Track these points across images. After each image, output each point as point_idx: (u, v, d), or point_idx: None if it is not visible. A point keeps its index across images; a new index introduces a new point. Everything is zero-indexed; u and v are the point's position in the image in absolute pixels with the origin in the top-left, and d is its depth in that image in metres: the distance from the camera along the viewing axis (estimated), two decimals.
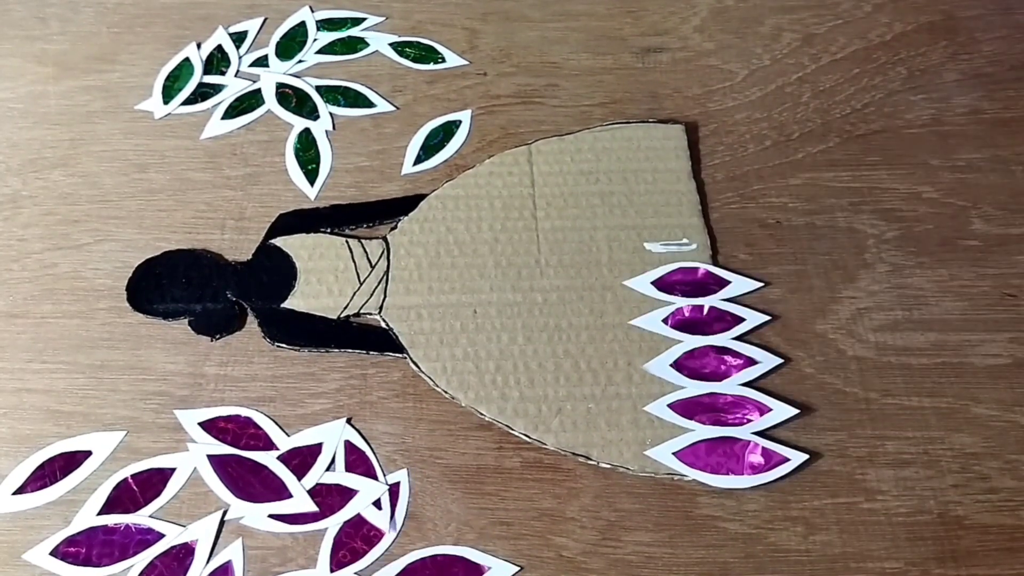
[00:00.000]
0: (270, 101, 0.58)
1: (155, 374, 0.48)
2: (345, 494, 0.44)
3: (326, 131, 0.57)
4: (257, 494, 0.44)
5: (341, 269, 0.51)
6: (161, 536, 0.43)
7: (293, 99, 0.58)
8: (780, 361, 0.47)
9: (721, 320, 0.48)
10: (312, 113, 0.58)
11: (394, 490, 0.44)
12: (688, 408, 0.45)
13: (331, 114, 0.58)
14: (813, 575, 0.41)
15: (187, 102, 0.59)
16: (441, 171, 0.55)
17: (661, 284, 0.50)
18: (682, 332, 0.48)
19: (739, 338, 0.48)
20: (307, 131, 0.57)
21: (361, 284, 0.50)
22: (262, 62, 0.61)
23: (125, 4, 0.65)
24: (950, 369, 0.47)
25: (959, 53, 0.60)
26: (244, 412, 0.46)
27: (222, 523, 0.43)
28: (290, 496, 0.44)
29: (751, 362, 0.47)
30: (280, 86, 0.59)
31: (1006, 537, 0.42)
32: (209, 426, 0.46)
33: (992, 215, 0.52)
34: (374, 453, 0.45)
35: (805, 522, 0.43)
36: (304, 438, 0.46)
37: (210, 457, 0.45)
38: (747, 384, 0.46)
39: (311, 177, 0.55)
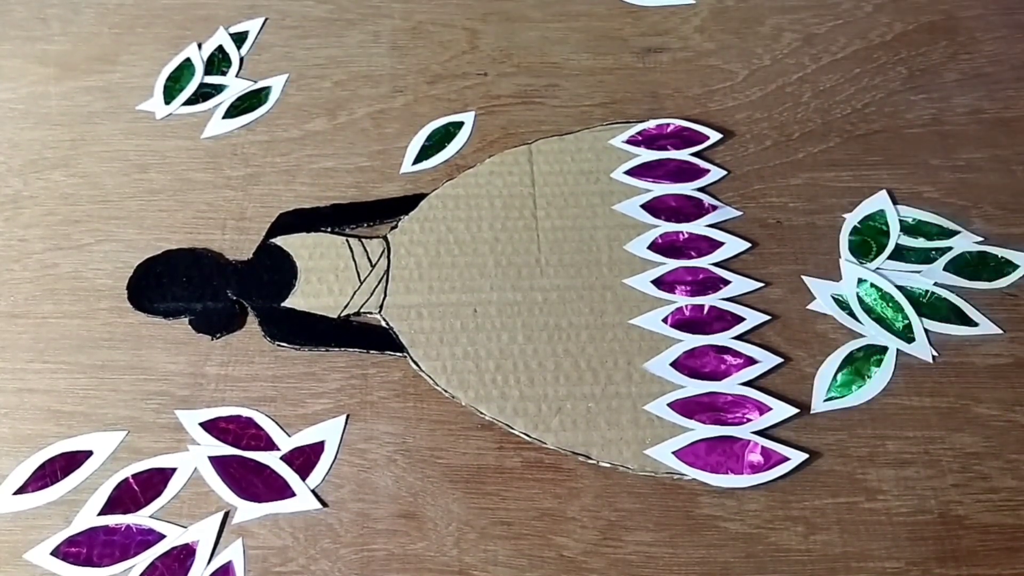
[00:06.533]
0: None
1: (156, 374, 0.48)
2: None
3: None
4: (260, 494, 0.44)
5: (341, 268, 0.51)
6: (162, 537, 0.43)
7: None
8: (780, 361, 0.47)
9: (721, 320, 0.48)
10: None
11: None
12: (688, 407, 0.45)
13: None
14: (814, 575, 0.41)
15: (188, 102, 0.59)
16: (441, 171, 0.55)
17: (661, 283, 0.50)
18: (682, 331, 0.48)
19: (739, 338, 0.48)
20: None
21: (361, 283, 0.50)
22: None
23: (126, 5, 0.65)
24: (951, 369, 0.47)
25: (959, 53, 0.60)
26: (245, 412, 0.46)
27: (223, 524, 0.43)
28: (293, 495, 0.44)
29: (751, 362, 0.47)
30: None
31: (1007, 537, 0.42)
32: (210, 426, 0.46)
33: (992, 215, 0.52)
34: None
35: (806, 522, 0.43)
36: (305, 437, 0.46)
37: (211, 458, 0.45)
38: (747, 383, 0.46)
39: None
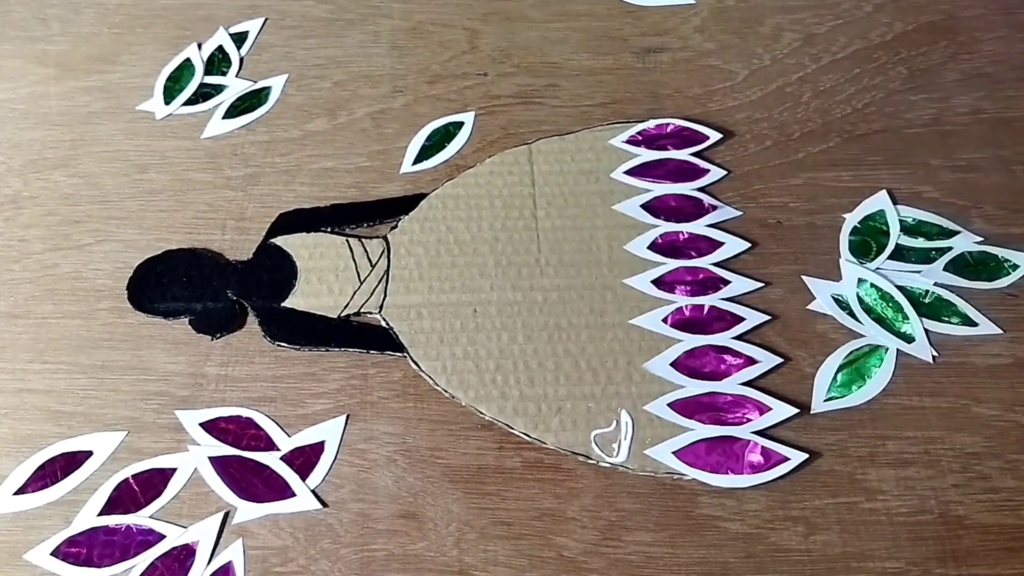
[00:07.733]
0: None
1: (156, 374, 0.48)
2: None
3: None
4: (260, 494, 0.44)
5: (341, 268, 0.51)
6: (162, 537, 0.43)
7: None
8: (780, 361, 0.47)
9: (721, 320, 0.48)
10: None
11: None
12: (688, 407, 0.45)
13: None
14: (814, 575, 0.41)
15: (188, 102, 0.59)
16: (441, 171, 0.55)
17: (661, 283, 0.50)
18: (682, 331, 0.48)
19: (739, 338, 0.48)
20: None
21: (361, 283, 0.50)
22: None
23: (126, 5, 0.65)
24: (951, 369, 0.47)
25: (960, 53, 0.60)
26: (245, 412, 0.46)
27: (223, 524, 0.43)
28: (293, 495, 0.44)
29: (751, 362, 0.47)
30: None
31: (1007, 537, 0.42)
32: (210, 427, 0.46)
33: (993, 215, 0.52)
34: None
35: (806, 522, 0.43)
36: (305, 437, 0.46)
37: (212, 459, 0.45)
38: (747, 383, 0.46)
39: None
